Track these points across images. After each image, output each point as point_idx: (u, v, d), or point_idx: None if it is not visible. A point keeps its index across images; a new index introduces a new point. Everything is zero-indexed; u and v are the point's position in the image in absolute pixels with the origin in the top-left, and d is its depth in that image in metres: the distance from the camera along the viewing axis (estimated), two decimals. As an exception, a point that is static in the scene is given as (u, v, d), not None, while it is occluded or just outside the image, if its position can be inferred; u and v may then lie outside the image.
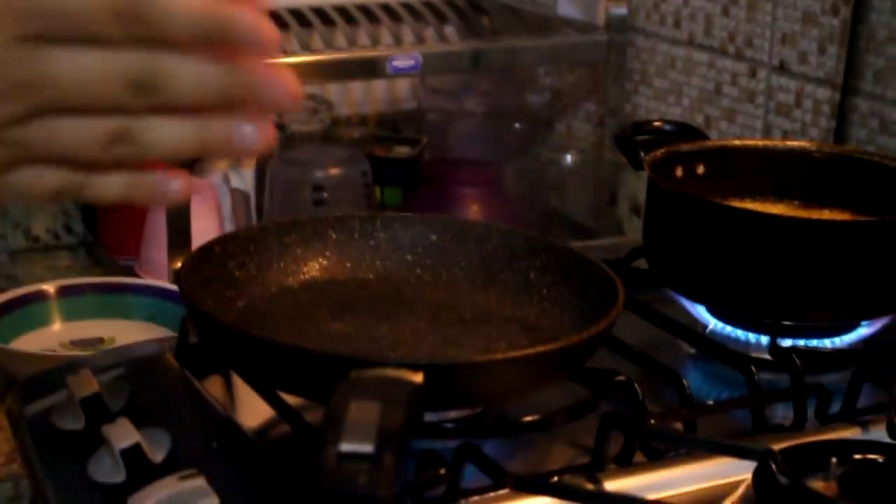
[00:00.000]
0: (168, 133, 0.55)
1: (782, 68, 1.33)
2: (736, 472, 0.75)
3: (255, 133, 0.57)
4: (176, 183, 0.58)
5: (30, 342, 1.20)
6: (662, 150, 1.07)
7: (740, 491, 0.72)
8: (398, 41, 1.40)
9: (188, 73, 0.54)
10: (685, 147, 1.09)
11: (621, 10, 1.51)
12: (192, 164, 1.41)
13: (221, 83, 0.55)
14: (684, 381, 0.85)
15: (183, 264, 0.86)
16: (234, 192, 1.49)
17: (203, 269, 0.87)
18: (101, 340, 1.21)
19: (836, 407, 0.88)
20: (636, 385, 0.82)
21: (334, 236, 0.95)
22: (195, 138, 0.56)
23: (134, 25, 0.53)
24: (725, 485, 0.76)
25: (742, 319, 0.99)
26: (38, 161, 0.55)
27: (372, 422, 0.62)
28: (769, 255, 0.95)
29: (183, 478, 0.73)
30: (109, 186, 0.56)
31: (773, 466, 0.70)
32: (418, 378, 0.70)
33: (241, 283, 0.90)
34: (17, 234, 1.56)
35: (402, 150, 1.59)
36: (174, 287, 1.25)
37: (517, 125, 1.67)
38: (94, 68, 0.53)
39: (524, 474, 0.76)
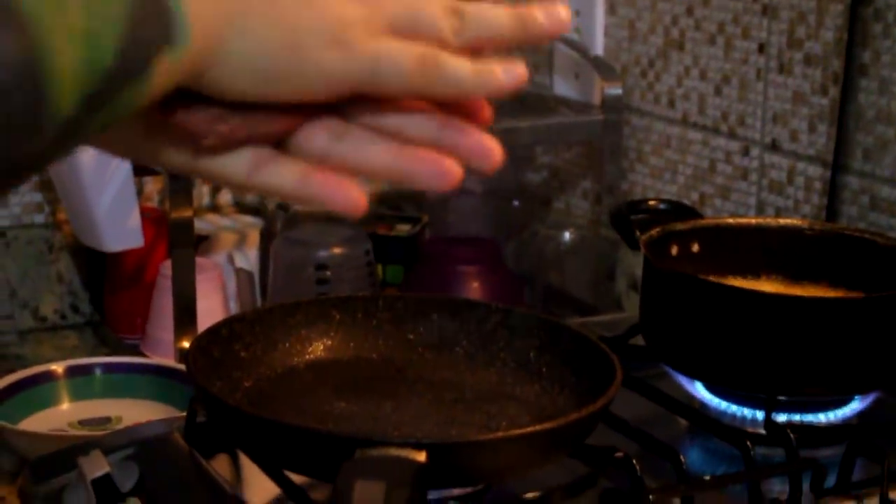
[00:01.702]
0: (463, 70, 0.58)
1: (774, 147, 1.36)
2: (732, 546, 0.77)
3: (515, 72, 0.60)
4: (516, 71, 0.60)
5: (39, 422, 1.22)
6: (657, 230, 1.09)
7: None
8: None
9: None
10: (679, 226, 1.12)
11: (616, 91, 1.54)
12: (197, 243, 1.43)
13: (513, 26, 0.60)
14: (681, 457, 0.87)
15: (191, 346, 0.88)
16: (239, 272, 1.51)
17: (211, 350, 0.89)
18: (108, 420, 1.23)
19: (830, 481, 0.90)
20: (634, 461, 0.84)
21: (338, 317, 0.97)
22: (482, 90, 0.59)
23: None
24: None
25: (737, 395, 1.01)
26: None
27: (378, 501, 0.64)
28: (763, 332, 0.97)
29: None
30: (460, 68, 0.59)
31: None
32: (422, 457, 0.72)
33: (248, 363, 0.92)
34: (25, 314, 1.58)
35: (404, 228, 1.61)
36: (180, 366, 1.27)
37: (516, 203, 1.69)
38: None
39: (526, 550, 0.77)
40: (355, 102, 0.60)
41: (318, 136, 0.60)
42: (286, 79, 0.57)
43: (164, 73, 0.54)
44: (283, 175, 0.59)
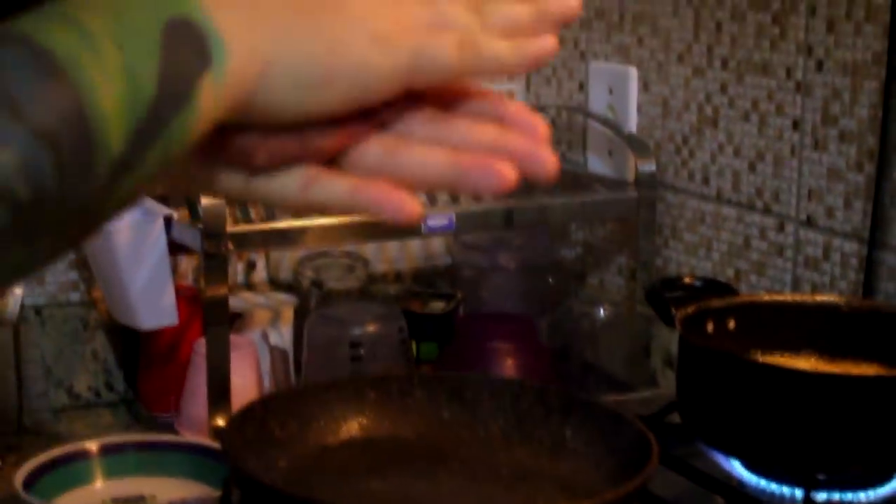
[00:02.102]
0: (501, 46, 0.60)
1: (809, 223, 1.35)
2: None
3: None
4: (547, 42, 0.62)
5: (73, 501, 1.21)
6: (693, 306, 1.09)
7: None
8: (432, 200, 1.43)
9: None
10: (715, 303, 1.11)
11: (650, 167, 1.54)
12: (231, 321, 1.44)
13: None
14: (720, 537, 0.86)
15: (226, 426, 0.88)
16: (273, 349, 1.51)
17: (246, 429, 0.89)
18: (142, 498, 1.23)
19: (871, 561, 0.88)
20: (672, 541, 0.83)
21: (373, 395, 0.97)
22: (521, 61, 0.61)
23: None
24: None
25: (776, 473, 1.00)
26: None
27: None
28: (801, 410, 0.96)
29: None
30: (497, 46, 0.60)
31: None
32: (458, 537, 0.71)
33: (283, 442, 0.92)
34: (59, 392, 1.59)
35: (438, 306, 1.61)
36: (214, 444, 1.27)
37: (550, 279, 1.69)
38: None
39: None
40: (411, 116, 0.61)
41: (370, 151, 0.60)
42: (334, 84, 0.58)
43: (211, 97, 0.55)
44: (336, 188, 0.60)
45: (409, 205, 0.58)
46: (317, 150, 0.59)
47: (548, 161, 0.60)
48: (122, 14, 0.52)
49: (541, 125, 0.61)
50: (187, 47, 0.53)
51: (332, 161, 0.60)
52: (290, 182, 0.60)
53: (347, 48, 0.58)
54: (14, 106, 0.48)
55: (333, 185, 0.60)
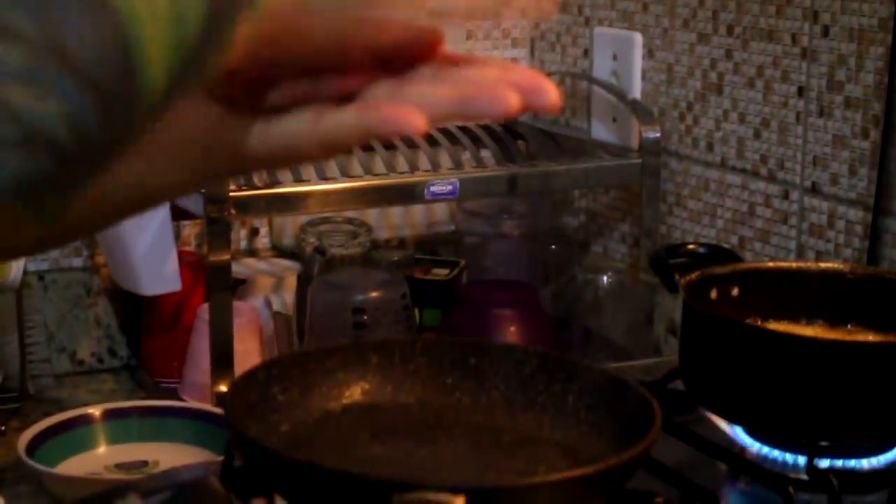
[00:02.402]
0: None
1: (814, 190, 1.35)
2: None
3: None
4: None
5: (75, 466, 1.22)
6: (697, 273, 1.08)
7: None
8: (436, 166, 1.43)
9: None
10: (719, 270, 1.11)
11: (655, 134, 1.53)
12: (235, 286, 1.44)
13: None
14: (722, 503, 0.86)
15: (228, 390, 0.88)
16: (276, 315, 1.51)
17: (248, 394, 0.89)
18: (145, 463, 1.23)
19: (874, 527, 0.88)
20: (674, 507, 0.83)
21: (375, 361, 0.97)
22: None
23: None
24: None
25: (779, 440, 1.00)
26: None
27: (415, 546, 0.64)
28: (805, 377, 0.96)
29: None
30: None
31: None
32: (460, 502, 0.71)
33: (285, 407, 0.92)
34: (62, 357, 1.59)
35: (441, 273, 1.61)
36: (217, 410, 1.27)
37: (553, 247, 1.69)
38: None
39: None
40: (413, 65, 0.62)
41: (378, 91, 0.61)
42: (362, 29, 0.59)
43: (244, 33, 0.55)
44: (344, 115, 0.60)
45: (415, 117, 0.59)
46: (326, 89, 0.60)
47: (551, 91, 0.60)
48: None
49: (543, 77, 0.62)
50: None
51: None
52: (302, 118, 0.61)
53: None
54: (61, 49, 0.47)
55: (342, 113, 0.60)
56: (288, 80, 0.61)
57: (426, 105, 0.60)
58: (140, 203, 0.66)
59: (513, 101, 0.59)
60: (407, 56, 0.62)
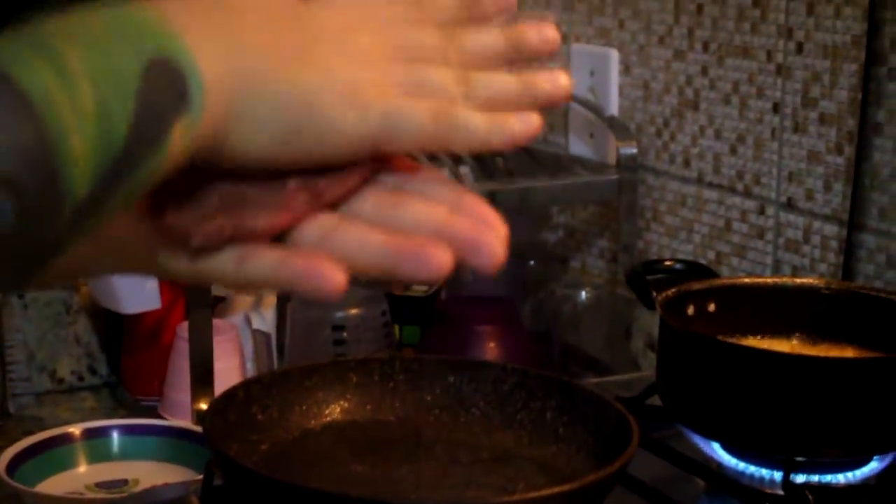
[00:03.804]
0: (477, 120, 0.59)
1: (790, 205, 1.36)
2: None
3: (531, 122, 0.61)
4: (529, 119, 0.61)
5: (56, 485, 1.22)
6: (674, 289, 1.09)
7: None
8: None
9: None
10: (696, 285, 1.12)
11: (631, 150, 1.54)
12: (215, 304, 1.44)
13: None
14: (699, 519, 0.87)
15: (208, 409, 0.89)
16: (256, 333, 1.52)
17: (228, 413, 0.90)
18: (125, 482, 1.23)
19: (849, 542, 0.89)
20: (652, 523, 0.84)
21: (355, 379, 0.98)
22: (496, 130, 0.60)
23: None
24: None
25: (755, 455, 1.01)
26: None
27: (394, 565, 0.64)
28: (780, 393, 0.97)
29: None
30: (473, 119, 0.60)
31: None
32: (439, 520, 0.72)
33: (265, 426, 0.92)
34: (42, 376, 1.59)
35: (420, 289, 1.61)
36: (197, 428, 1.27)
37: (532, 262, 1.69)
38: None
39: None
40: (363, 192, 0.60)
41: (310, 231, 0.59)
42: (303, 137, 0.57)
43: (180, 140, 0.53)
44: (265, 262, 0.58)
45: (333, 277, 0.56)
46: (250, 228, 0.58)
47: (494, 251, 0.58)
48: (103, 49, 0.51)
49: (494, 217, 0.60)
50: (166, 88, 0.52)
51: (278, 239, 0.59)
52: (227, 260, 0.59)
53: (318, 106, 0.57)
54: None
55: (263, 259, 0.58)
56: (203, 217, 0.58)
57: (355, 256, 0.57)
58: (85, 274, 0.65)
59: (441, 266, 0.56)
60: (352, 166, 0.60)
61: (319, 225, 0.59)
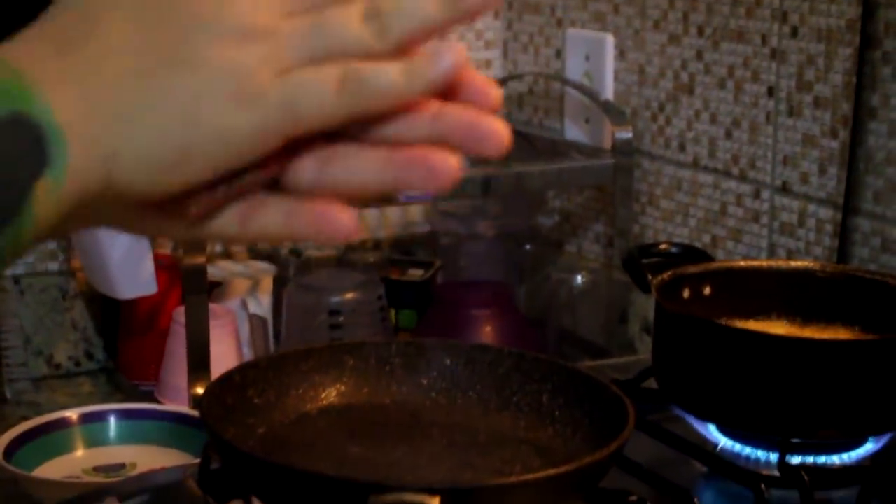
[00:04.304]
0: (389, 76, 0.52)
1: (785, 189, 1.36)
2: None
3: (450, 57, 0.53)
4: (446, 57, 0.53)
5: (53, 469, 1.22)
6: (669, 273, 1.09)
7: None
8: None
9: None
10: (691, 269, 1.12)
11: (627, 134, 1.54)
12: (211, 289, 1.44)
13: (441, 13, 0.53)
14: (695, 500, 0.87)
15: (205, 393, 0.89)
16: (252, 318, 1.52)
17: (224, 397, 0.90)
18: (122, 466, 1.23)
19: (844, 523, 0.89)
20: (648, 505, 0.84)
21: (351, 363, 0.98)
22: (414, 80, 0.53)
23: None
24: None
25: (751, 437, 1.01)
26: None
27: (391, 546, 0.64)
28: (776, 375, 0.97)
29: None
30: (385, 75, 0.52)
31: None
32: (436, 502, 0.72)
33: (261, 410, 0.93)
34: (39, 361, 1.59)
35: (416, 273, 1.62)
36: (194, 412, 1.27)
37: (528, 247, 1.70)
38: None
39: None
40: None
41: (305, 167, 0.55)
42: (192, 159, 0.52)
43: (48, 200, 0.50)
44: (271, 217, 0.56)
45: (345, 223, 0.54)
46: (246, 189, 0.56)
47: (495, 131, 0.54)
48: None
49: (491, 91, 0.55)
50: (23, 149, 0.49)
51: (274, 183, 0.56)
52: (230, 218, 0.56)
53: (203, 115, 0.51)
54: None
55: (268, 214, 0.56)
56: (197, 192, 0.54)
57: (358, 179, 0.54)
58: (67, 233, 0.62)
59: (447, 173, 0.53)
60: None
61: (312, 160, 0.55)
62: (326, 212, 0.55)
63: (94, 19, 0.52)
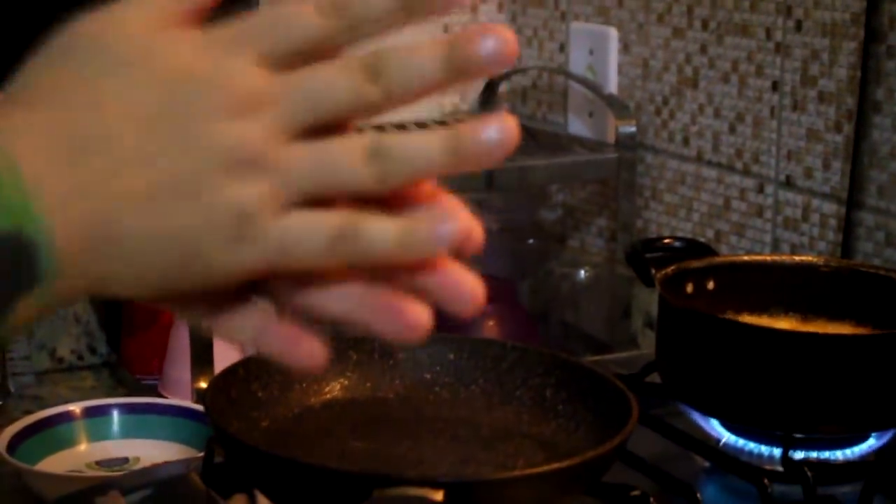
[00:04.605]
0: (386, 236, 0.51)
1: (789, 183, 1.36)
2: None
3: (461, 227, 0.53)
4: (451, 225, 0.52)
5: (56, 463, 1.22)
6: (673, 267, 1.09)
7: None
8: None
9: (416, 145, 0.52)
10: (695, 263, 1.12)
11: (630, 129, 1.54)
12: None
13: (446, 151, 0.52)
14: (698, 495, 0.87)
15: (209, 387, 0.89)
16: (255, 312, 1.52)
17: (228, 391, 0.90)
18: (126, 460, 1.23)
19: (848, 518, 0.89)
20: (651, 499, 0.84)
21: (355, 356, 0.98)
22: (409, 245, 0.52)
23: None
24: None
25: (754, 432, 1.01)
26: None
27: (395, 540, 0.64)
28: (779, 370, 0.97)
29: None
30: (381, 235, 0.51)
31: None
32: (439, 496, 0.72)
33: (265, 403, 0.93)
34: (42, 355, 1.59)
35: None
36: (197, 406, 1.27)
37: (531, 241, 1.70)
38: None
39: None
40: None
41: (281, 281, 0.54)
42: (186, 281, 0.52)
43: (25, 310, 0.50)
44: (244, 326, 0.55)
45: (313, 353, 0.54)
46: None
47: (472, 295, 0.54)
48: None
49: (475, 236, 0.54)
50: (12, 268, 0.48)
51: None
52: (202, 312, 0.56)
53: (203, 251, 0.51)
54: None
55: (243, 321, 0.55)
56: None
57: (328, 315, 0.53)
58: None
59: (418, 329, 0.53)
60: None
61: (299, 291, 0.54)
62: (298, 337, 0.54)
63: (96, 92, 0.51)
